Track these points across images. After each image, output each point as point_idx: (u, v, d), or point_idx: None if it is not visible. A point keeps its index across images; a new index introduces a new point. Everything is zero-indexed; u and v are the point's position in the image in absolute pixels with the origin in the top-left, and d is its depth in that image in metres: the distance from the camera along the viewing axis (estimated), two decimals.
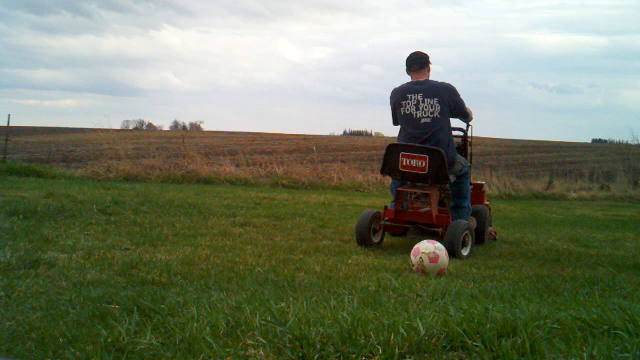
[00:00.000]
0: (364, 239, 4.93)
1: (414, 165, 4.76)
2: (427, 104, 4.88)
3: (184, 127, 69.98)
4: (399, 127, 5.15)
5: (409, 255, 4.06)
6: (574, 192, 16.40)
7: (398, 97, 5.01)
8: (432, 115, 4.88)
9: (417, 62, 5.05)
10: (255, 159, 15.74)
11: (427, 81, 5.02)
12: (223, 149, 18.06)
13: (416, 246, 4.00)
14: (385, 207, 5.19)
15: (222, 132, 47.13)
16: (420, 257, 3.88)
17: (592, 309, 2.50)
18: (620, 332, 2.16)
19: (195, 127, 70.08)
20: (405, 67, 5.10)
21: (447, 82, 5.02)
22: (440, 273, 3.87)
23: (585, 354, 1.93)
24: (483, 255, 4.87)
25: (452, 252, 4.46)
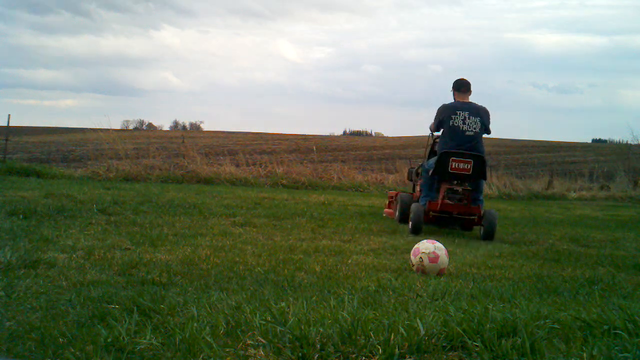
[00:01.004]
0: (419, 229, 5.99)
1: (462, 167, 6.03)
2: (472, 120, 6.18)
3: (184, 127, 69.85)
4: (427, 133, 6.88)
5: (409, 255, 4.06)
6: (574, 192, 16.39)
7: (448, 112, 6.25)
8: (475, 130, 6.19)
9: (466, 86, 6.41)
10: (255, 159, 15.73)
11: (471, 103, 6.35)
12: (223, 149, 18.06)
13: (416, 246, 4.00)
14: (429, 201, 6.23)
15: (222, 132, 47.08)
16: (420, 257, 3.88)
17: (592, 309, 2.50)
18: (620, 332, 2.16)
19: (195, 127, 69.98)
20: (455, 86, 6.44)
21: (484, 106, 6.36)
22: (440, 273, 3.87)
23: (585, 354, 1.93)
24: (483, 255, 4.87)
25: (491, 234, 5.92)
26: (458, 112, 6.17)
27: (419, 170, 6.92)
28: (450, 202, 6.13)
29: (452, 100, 6.39)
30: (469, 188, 6.11)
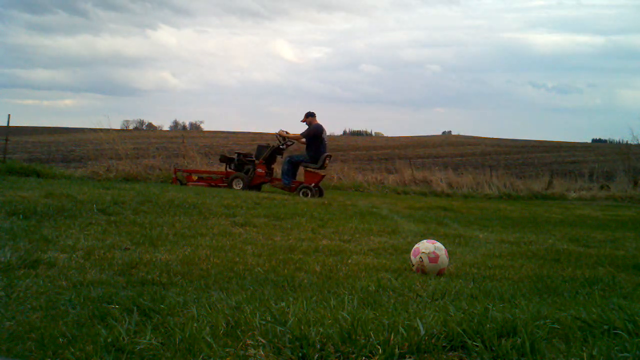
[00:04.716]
0: (291, 190, 10.78)
1: (327, 162, 11.03)
2: (325, 135, 11.05)
3: (184, 127, 70.06)
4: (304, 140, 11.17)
5: (409, 255, 4.06)
6: (574, 192, 16.39)
7: (320, 130, 10.92)
8: (327, 141, 11.15)
9: (314, 115, 11.08)
10: None
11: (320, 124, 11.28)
12: (223, 149, 18.05)
13: (416, 246, 4.00)
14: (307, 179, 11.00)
15: (222, 132, 47.12)
16: (420, 257, 3.88)
17: (592, 309, 2.50)
18: (620, 332, 2.16)
19: (195, 127, 70.15)
20: (311, 115, 11.06)
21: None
22: (440, 273, 3.87)
23: (585, 354, 1.93)
24: (483, 255, 4.87)
25: (322, 195, 10.68)
26: (324, 131, 11.01)
27: (243, 159, 11.35)
28: (315, 182, 10.89)
29: (310, 121, 10.89)
30: (324, 174, 11.15)
